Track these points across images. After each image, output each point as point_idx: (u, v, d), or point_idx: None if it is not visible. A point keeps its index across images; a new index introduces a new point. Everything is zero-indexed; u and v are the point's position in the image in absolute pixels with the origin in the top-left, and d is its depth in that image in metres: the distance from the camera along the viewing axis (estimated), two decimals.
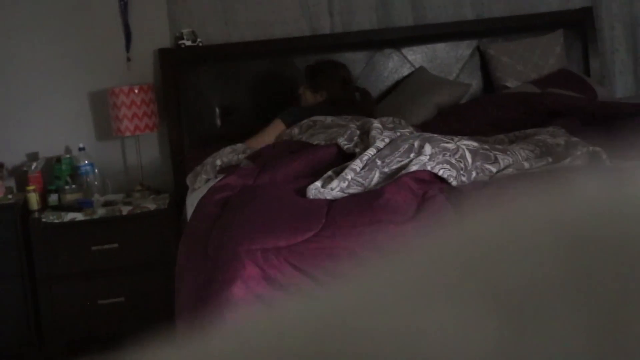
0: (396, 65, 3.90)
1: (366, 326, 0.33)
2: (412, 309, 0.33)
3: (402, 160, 2.56)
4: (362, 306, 0.34)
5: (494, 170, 2.56)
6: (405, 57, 3.90)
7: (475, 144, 2.67)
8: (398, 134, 2.78)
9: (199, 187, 2.98)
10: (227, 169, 2.99)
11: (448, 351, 0.31)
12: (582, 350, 0.30)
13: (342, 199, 2.42)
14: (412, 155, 2.56)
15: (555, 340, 0.30)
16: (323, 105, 3.38)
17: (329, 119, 3.17)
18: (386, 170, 2.54)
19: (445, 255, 0.36)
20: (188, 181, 3.15)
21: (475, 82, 3.94)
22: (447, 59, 3.94)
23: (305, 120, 3.20)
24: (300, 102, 3.48)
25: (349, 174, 2.50)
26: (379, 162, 2.56)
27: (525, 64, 3.88)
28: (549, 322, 0.31)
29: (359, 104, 3.46)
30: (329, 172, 2.57)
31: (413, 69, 3.90)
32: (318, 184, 2.49)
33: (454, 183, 2.46)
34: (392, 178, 2.49)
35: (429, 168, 2.49)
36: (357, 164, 2.55)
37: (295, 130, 3.17)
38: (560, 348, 0.30)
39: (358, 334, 0.33)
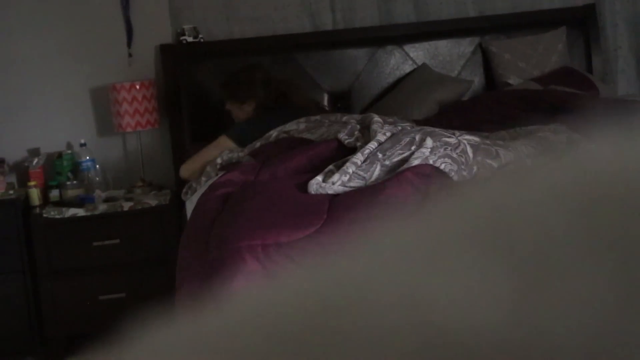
0: (398, 62, 3.92)
1: (375, 294, 0.33)
2: (421, 273, 0.33)
3: (403, 153, 2.57)
4: (369, 273, 0.34)
5: (495, 165, 2.58)
6: (407, 54, 3.92)
7: (476, 138, 2.69)
8: (399, 127, 2.80)
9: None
10: (227, 167, 3.00)
11: (462, 314, 0.30)
12: (601, 303, 0.30)
13: (344, 194, 2.43)
14: (413, 148, 2.58)
15: (573, 297, 0.30)
16: (263, 112, 3.29)
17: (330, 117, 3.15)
18: (387, 163, 2.55)
19: (454, 215, 0.35)
20: (183, 196, 3.15)
21: (477, 79, 3.95)
22: (449, 56, 3.95)
23: (314, 118, 3.18)
24: (233, 119, 3.39)
25: (350, 168, 2.52)
26: (380, 156, 2.58)
27: (527, 61, 3.90)
28: (566, 278, 0.30)
29: (295, 99, 3.37)
30: (330, 166, 2.58)
31: (415, 66, 3.91)
32: (319, 178, 2.51)
33: (455, 177, 2.48)
34: (394, 171, 2.50)
35: (430, 162, 2.50)
36: (358, 158, 2.57)
37: (302, 126, 3.14)
38: (580, 305, 0.30)
39: (366, 302, 0.33)
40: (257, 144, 3.12)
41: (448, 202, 0.38)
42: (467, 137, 2.66)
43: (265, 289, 0.40)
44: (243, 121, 3.31)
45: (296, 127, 3.12)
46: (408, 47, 3.92)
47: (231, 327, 0.36)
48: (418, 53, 3.93)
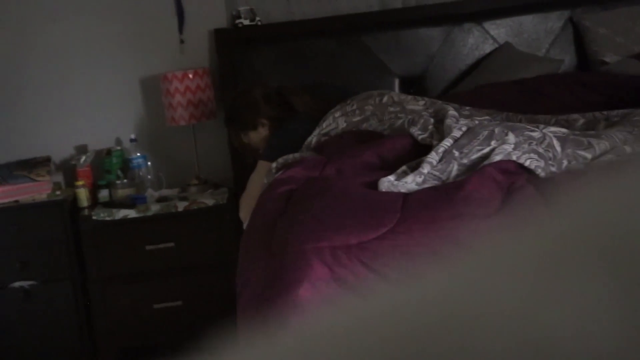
0: (477, 41, 3.87)
1: (481, 311, 0.33)
2: (528, 290, 0.33)
3: (482, 149, 2.55)
4: (468, 291, 0.35)
5: (589, 156, 2.53)
6: (487, 32, 3.87)
7: (563, 130, 2.65)
8: (476, 122, 2.78)
9: None
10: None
11: (569, 332, 0.31)
12: None
13: (419, 191, 2.42)
14: (492, 143, 2.55)
15: None
16: (280, 125, 3.31)
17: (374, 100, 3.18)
18: (465, 161, 2.53)
19: (559, 230, 0.36)
20: (241, 215, 3.15)
21: (568, 58, 3.88)
22: (535, 33, 3.89)
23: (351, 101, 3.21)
24: (253, 146, 3.40)
25: (425, 168, 2.51)
26: (456, 154, 2.56)
27: (626, 35, 3.80)
28: None
29: (296, 105, 3.38)
30: (403, 167, 2.57)
31: (497, 45, 3.86)
32: (391, 177, 2.50)
33: (542, 174, 2.44)
34: (472, 169, 2.48)
35: (514, 158, 2.47)
36: (433, 157, 2.55)
37: (338, 114, 3.17)
38: None
39: (466, 323, 0.33)
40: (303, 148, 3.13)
41: (548, 205, 0.39)
42: (553, 129, 2.63)
43: (345, 305, 0.40)
44: (274, 137, 3.30)
45: (353, 117, 3.13)
46: (488, 24, 3.87)
47: (306, 351, 0.37)
48: (500, 30, 3.88)
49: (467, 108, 3.06)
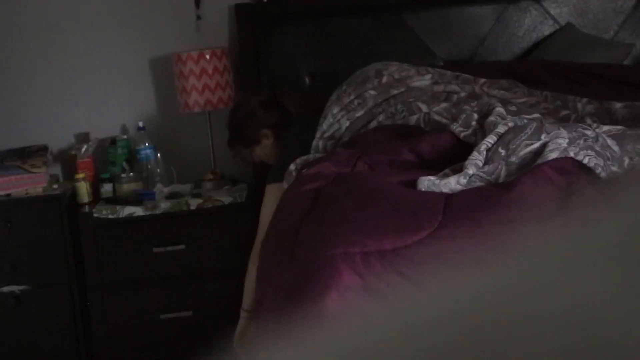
0: (535, 21, 3.85)
1: (531, 309, 0.36)
2: (584, 287, 0.36)
3: (531, 143, 2.55)
4: (519, 290, 0.37)
5: None
6: (546, 11, 3.85)
7: (617, 127, 2.65)
8: (525, 121, 2.78)
9: None
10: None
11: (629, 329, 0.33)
12: None
13: (464, 191, 2.42)
14: (543, 137, 2.55)
15: None
16: (284, 136, 3.33)
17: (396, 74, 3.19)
18: (514, 159, 2.53)
19: (617, 225, 0.38)
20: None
21: (639, 42, 3.85)
22: (602, 13, 3.87)
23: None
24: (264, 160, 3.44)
25: (470, 169, 2.50)
26: (503, 152, 2.56)
27: None
28: None
29: (287, 106, 3.41)
30: (446, 170, 2.57)
31: (557, 27, 3.84)
32: (432, 177, 2.50)
33: (603, 174, 2.43)
34: (524, 168, 2.48)
35: (571, 154, 2.46)
36: (476, 157, 2.55)
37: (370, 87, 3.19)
38: None
39: (521, 318, 0.36)
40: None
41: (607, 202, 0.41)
42: (605, 128, 2.63)
43: (376, 311, 0.42)
44: (275, 159, 3.30)
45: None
46: (548, 3, 3.85)
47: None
48: (561, 9, 3.86)
49: (514, 105, 3.06)
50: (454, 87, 3.19)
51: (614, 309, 0.34)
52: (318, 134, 3.18)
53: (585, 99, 3.04)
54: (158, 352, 3.59)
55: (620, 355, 0.33)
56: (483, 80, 3.27)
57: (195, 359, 3.38)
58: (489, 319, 0.37)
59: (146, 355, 3.61)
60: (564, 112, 3.00)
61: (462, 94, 3.14)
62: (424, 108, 3.05)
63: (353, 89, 3.25)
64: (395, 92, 3.17)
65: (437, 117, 2.99)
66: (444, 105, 3.04)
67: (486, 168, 2.53)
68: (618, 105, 2.97)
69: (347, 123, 3.16)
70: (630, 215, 0.39)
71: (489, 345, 0.36)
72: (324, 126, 3.19)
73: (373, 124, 3.12)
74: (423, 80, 3.22)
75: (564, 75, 3.37)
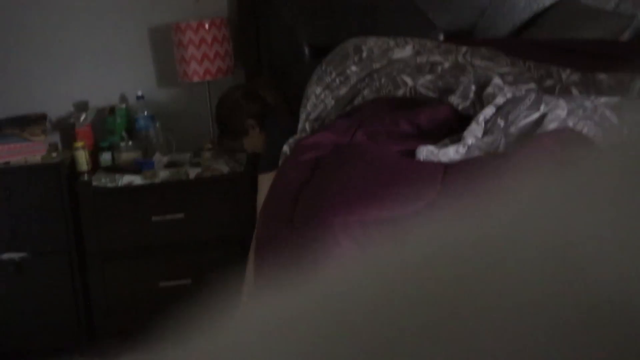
0: None
1: (515, 250, 0.36)
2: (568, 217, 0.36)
3: (530, 114, 2.54)
4: (505, 225, 0.38)
5: None
6: None
7: (615, 98, 2.64)
8: (523, 92, 2.76)
9: None
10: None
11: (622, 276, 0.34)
12: None
13: (463, 161, 2.41)
14: (542, 107, 2.54)
15: None
16: (269, 126, 3.36)
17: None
18: (513, 130, 2.52)
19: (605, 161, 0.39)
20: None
21: None
22: None
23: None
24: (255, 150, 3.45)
25: (469, 139, 2.50)
26: (502, 124, 2.55)
27: None
28: None
29: (268, 99, 3.43)
30: (445, 140, 2.57)
31: None
32: (431, 146, 2.49)
33: (602, 144, 2.43)
34: (524, 139, 2.47)
35: (570, 124, 2.46)
36: (475, 129, 2.54)
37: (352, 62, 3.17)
38: None
39: (503, 263, 0.36)
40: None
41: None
42: (603, 100, 2.62)
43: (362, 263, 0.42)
44: (264, 148, 3.31)
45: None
46: None
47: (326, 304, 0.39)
48: None
49: (510, 73, 3.04)
50: (436, 57, 3.18)
51: (603, 251, 0.35)
52: (303, 116, 3.17)
53: (568, 70, 3.02)
54: (157, 319, 3.58)
55: (610, 295, 0.33)
56: (465, 48, 3.25)
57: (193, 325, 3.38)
58: (475, 265, 0.37)
59: (145, 322, 3.60)
60: (549, 82, 2.98)
61: (446, 65, 3.12)
62: (409, 81, 3.04)
63: (334, 67, 3.24)
64: (377, 65, 3.16)
65: (423, 91, 2.98)
66: (428, 77, 3.03)
67: (485, 139, 2.53)
68: (603, 75, 2.95)
69: (332, 102, 3.14)
70: (618, 158, 0.40)
71: (474, 292, 0.36)
72: (308, 108, 3.18)
73: (358, 100, 3.11)
74: (404, 51, 3.20)
75: (549, 50, 3.33)
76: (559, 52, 3.24)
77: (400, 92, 3.02)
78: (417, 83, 3.01)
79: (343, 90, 3.16)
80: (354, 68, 3.20)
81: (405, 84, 3.04)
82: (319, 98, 3.19)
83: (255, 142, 3.42)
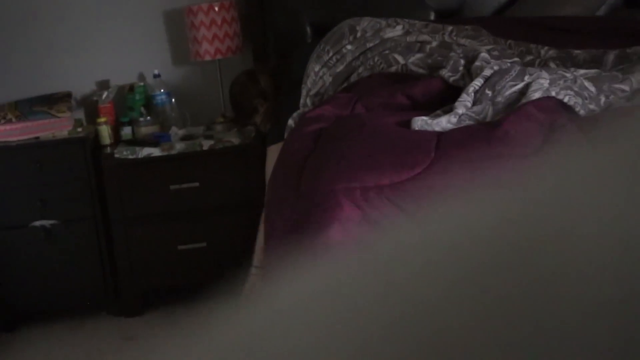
0: None
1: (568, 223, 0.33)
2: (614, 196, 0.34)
3: (515, 84, 2.54)
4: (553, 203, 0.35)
5: (627, 88, 2.52)
6: None
7: (593, 70, 2.64)
8: (508, 63, 2.75)
9: None
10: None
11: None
12: None
13: (454, 130, 2.41)
14: (526, 78, 2.54)
15: None
16: (277, 102, 3.39)
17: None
18: (500, 99, 2.52)
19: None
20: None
21: None
22: None
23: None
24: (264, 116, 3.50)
25: (460, 109, 2.50)
26: (489, 93, 2.55)
27: None
28: None
29: (265, 80, 3.48)
30: (438, 111, 2.57)
31: None
32: (425, 117, 2.49)
33: (582, 112, 2.43)
34: (510, 108, 2.47)
35: (553, 94, 2.46)
36: (465, 99, 2.55)
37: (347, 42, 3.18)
38: None
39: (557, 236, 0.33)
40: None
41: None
42: (582, 71, 2.62)
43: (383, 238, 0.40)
44: (272, 122, 3.33)
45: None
46: None
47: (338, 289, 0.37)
48: None
49: (495, 47, 3.03)
50: (425, 37, 3.16)
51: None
52: (304, 92, 3.17)
53: (546, 47, 3.01)
54: (176, 279, 3.61)
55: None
56: (450, 28, 3.24)
57: (209, 285, 3.39)
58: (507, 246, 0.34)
59: (165, 281, 3.62)
60: (528, 58, 2.98)
61: (434, 44, 3.10)
62: (400, 60, 3.03)
63: (331, 46, 3.23)
64: (370, 44, 3.16)
65: (414, 68, 2.98)
66: (418, 55, 3.02)
67: (475, 108, 2.53)
68: (578, 51, 2.94)
69: (330, 79, 3.14)
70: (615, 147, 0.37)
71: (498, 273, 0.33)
72: (308, 84, 3.18)
73: (353, 77, 3.10)
74: (395, 31, 3.20)
75: (529, 27, 3.31)
76: (537, 30, 3.23)
77: (393, 69, 3.01)
78: (407, 61, 3.00)
79: (339, 68, 3.15)
80: (349, 47, 3.19)
81: (397, 62, 3.03)
82: (318, 75, 3.18)
83: (265, 120, 3.44)
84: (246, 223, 3.33)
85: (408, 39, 3.14)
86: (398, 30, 3.20)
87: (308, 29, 3.76)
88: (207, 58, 3.71)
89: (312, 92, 3.15)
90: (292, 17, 3.75)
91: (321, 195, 2.17)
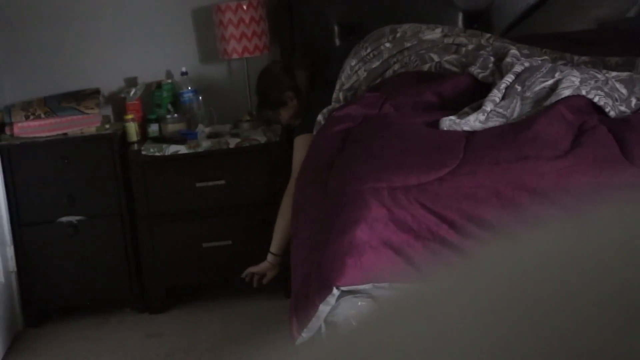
0: None
1: None
2: None
3: (545, 80, 2.52)
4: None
5: None
6: None
7: (625, 73, 2.61)
8: (539, 61, 2.74)
9: None
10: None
11: None
12: None
13: (483, 131, 2.40)
14: (557, 74, 2.52)
15: None
16: (310, 96, 3.36)
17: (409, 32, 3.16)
18: (529, 94, 2.51)
19: None
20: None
21: None
22: None
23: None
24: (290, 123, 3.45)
25: (488, 106, 2.49)
26: (518, 89, 2.54)
27: None
28: None
29: (300, 77, 3.42)
30: (465, 109, 2.55)
31: None
32: (453, 116, 2.48)
33: (612, 113, 2.41)
34: (538, 104, 2.45)
35: (583, 92, 2.44)
36: (495, 94, 2.53)
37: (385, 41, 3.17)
38: None
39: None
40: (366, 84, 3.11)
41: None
42: (614, 73, 2.60)
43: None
44: (300, 117, 3.32)
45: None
46: None
47: None
48: None
49: (526, 47, 3.02)
50: (462, 39, 3.15)
51: None
52: (337, 87, 3.17)
53: (581, 55, 2.98)
54: (200, 277, 3.62)
55: None
56: (488, 35, 3.23)
57: (234, 283, 3.40)
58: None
59: (189, 279, 3.64)
60: (562, 62, 2.96)
61: (470, 46, 3.10)
62: (435, 57, 3.02)
63: (370, 43, 3.22)
64: (408, 44, 3.15)
65: (447, 66, 2.97)
66: (454, 56, 3.01)
67: (502, 103, 2.51)
68: (611, 57, 2.92)
69: (365, 74, 3.13)
70: None
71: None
72: (343, 78, 3.17)
73: (388, 73, 3.10)
74: (434, 33, 3.18)
75: (563, 43, 3.29)
76: (573, 44, 3.19)
77: (427, 67, 3.00)
78: (442, 59, 2.99)
79: (375, 64, 3.15)
80: (387, 45, 3.18)
81: (432, 59, 3.02)
82: (353, 69, 3.17)
83: (291, 114, 3.43)
84: (271, 221, 3.33)
85: (445, 40, 3.13)
86: (437, 33, 3.18)
87: (336, 28, 3.76)
88: (235, 56, 3.72)
89: (346, 87, 3.14)
90: (319, 17, 3.76)
91: (348, 195, 2.18)
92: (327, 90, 3.22)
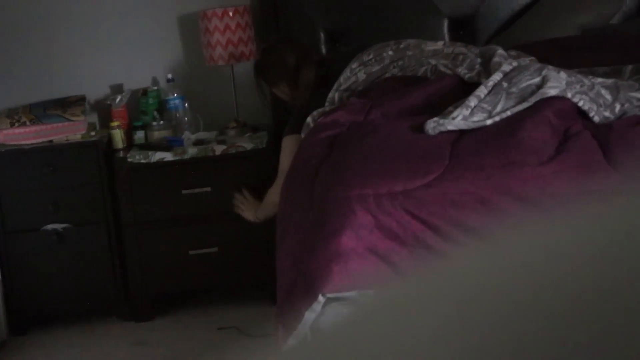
0: None
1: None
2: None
3: (532, 79, 2.54)
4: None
5: None
6: None
7: (610, 80, 2.63)
8: (527, 61, 2.75)
9: None
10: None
11: None
12: None
13: (469, 137, 2.41)
14: (544, 72, 2.54)
15: None
16: (308, 92, 3.26)
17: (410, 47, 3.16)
18: (514, 89, 2.52)
19: None
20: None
21: None
22: None
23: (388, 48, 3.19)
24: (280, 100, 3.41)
25: (472, 101, 2.50)
26: (505, 85, 2.56)
27: None
28: None
29: (304, 78, 3.29)
30: (450, 108, 2.56)
31: None
32: (437, 118, 2.49)
33: (597, 119, 2.43)
34: (524, 100, 2.47)
35: (569, 95, 2.46)
36: (481, 90, 2.55)
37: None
38: None
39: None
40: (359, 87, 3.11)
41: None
42: (600, 79, 2.62)
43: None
44: (295, 111, 3.27)
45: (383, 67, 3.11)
46: None
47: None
48: None
49: (513, 51, 3.03)
50: (462, 49, 3.16)
51: None
52: (335, 86, 3.15)
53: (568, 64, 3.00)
54: (187, 284, 3.62)
55: None
56: (514, 50, 3.22)
57: (221, 290, 3.40)
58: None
59: (176, 286, 3.63)
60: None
61: (469, 55, 3.11)
62: (432, 61, 3.03)
63: (373, 51, 3.21)
64: (410, 53, 3.14)
65: (442, 68, 2.97)
66: (449, 60, 3.02)
67: (487, 98, 2.52)
68: (599, 68, 2.93)
69: (364, 76, 3.13)
70: None
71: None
72: (341, 80, 3.17)
73: (386, 76, 3.10)
74: (436, 45, 3.18)
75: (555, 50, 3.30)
76: (565, 51, 3.21)
77: (422, 70, 3.00)
78: (439, 62, 2.99)
79: (375, 68, 3.14)
80: (390, 52, 3.17)
81: (429, 63, 3.02)
82: (353, 71, 3.16)
83: (282, 97, 3.37)
84: (259, 228, 3.33)
85: (445, 50, 3.13)
86: (439, 45, 3.18)
87: (322, 35, 3.76)
88: (221, 63, 3.72)
89: (343, 87, 3.13)
90: (305, 23, 3.76)
91: (334, 201, 2.18)
92: (325, 92, 3.20)
